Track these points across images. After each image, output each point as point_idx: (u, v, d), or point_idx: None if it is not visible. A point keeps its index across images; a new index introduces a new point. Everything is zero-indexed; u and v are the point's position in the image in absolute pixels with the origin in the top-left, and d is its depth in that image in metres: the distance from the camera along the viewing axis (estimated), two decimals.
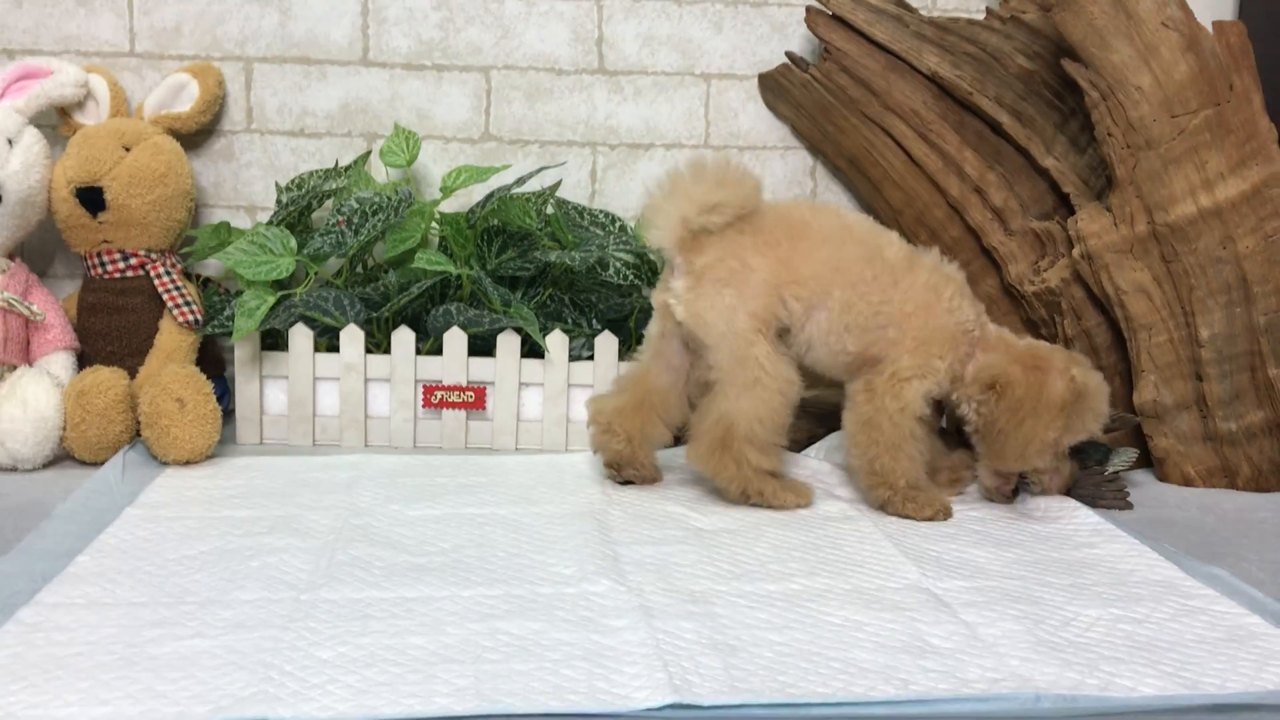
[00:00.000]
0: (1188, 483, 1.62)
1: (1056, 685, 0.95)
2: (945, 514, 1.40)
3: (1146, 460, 1.66)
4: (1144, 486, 1.60)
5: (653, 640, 1.01)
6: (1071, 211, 1.69)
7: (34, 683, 0.92)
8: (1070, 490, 1.48)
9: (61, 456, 1.58)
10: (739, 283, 1.39)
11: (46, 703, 0.88)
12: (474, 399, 1.66)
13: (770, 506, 1.42)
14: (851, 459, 1.45)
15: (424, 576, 1.16)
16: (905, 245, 1.46)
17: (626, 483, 1.50)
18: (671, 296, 1.42)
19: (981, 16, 1.80)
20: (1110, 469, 1.54)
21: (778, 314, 1.41)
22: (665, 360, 1.47)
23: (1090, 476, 1.50)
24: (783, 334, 1.43)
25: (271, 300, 1.60)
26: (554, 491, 1.47)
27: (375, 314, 1.67)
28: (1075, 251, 1.63)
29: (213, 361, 1.75)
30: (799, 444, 1.69)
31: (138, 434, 1.58)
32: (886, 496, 1.41)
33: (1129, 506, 1.49)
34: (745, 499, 1.42)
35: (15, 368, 1.62)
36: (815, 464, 1.60)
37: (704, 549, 1.26)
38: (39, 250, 1.82)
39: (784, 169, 1.92)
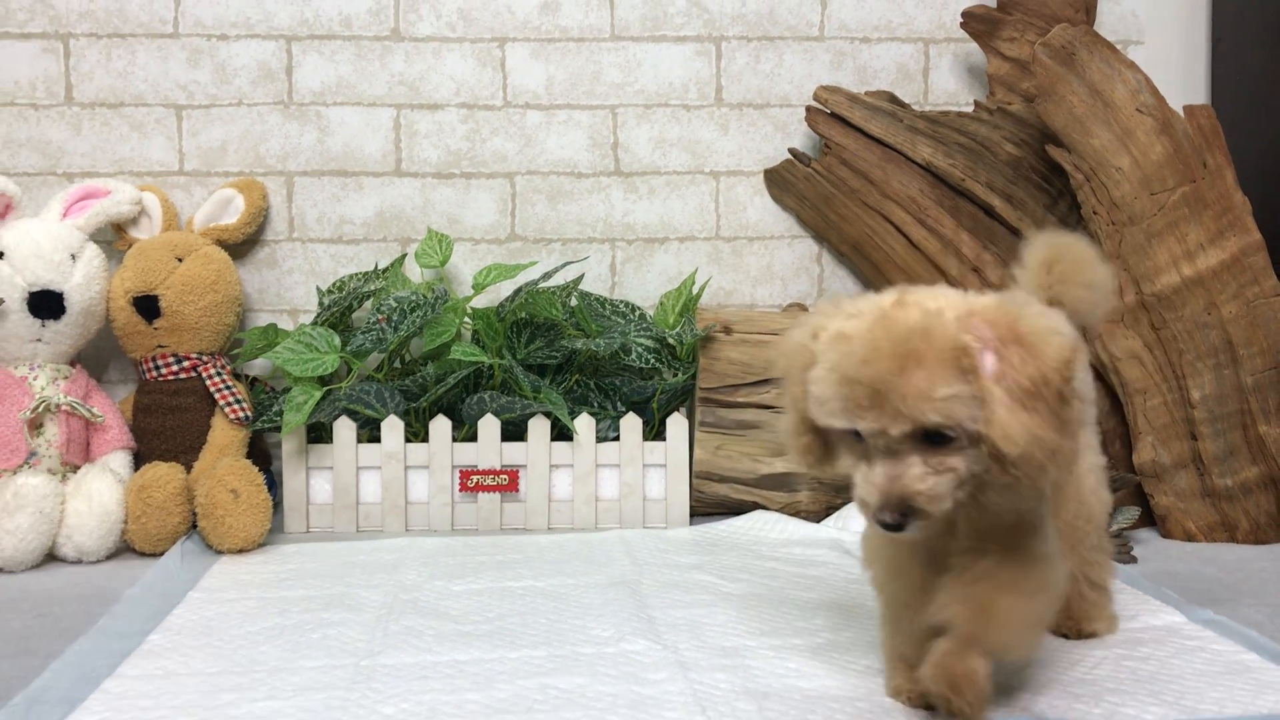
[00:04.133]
0: (1190, 538, 1.70)
1: (1065, 715, 1.02)
2: None
3: (1149, 519, 1.74)
4: (1147, 543, 1.68)
5: (690, 690, 1.10)
6: None
7: None
8: None
9: (122, 549, 1.67)
10: None
11: None
12: (507, 482, 1.76)
13: None
14: None
15: (473, 642, 1.24)
16: None
17: None
18: None
19: (970, 109, 1.94)
20: (1114, 527, 1.62)
21: None
22: None
23: None
24: None
25: (318, 395, 1.70)
26: (587, 565, 1.56)
27: (413, 404, 1.77)
28: None
29: (260, 456, 1.86)
30: (817, 515, 1.77)
31: (193, 526, 1.68)
32: None
33: (1133, 560, 1.56)
34: None
35: (77, 468, 1.73)
36: (834, 533, 1.68)
37: (734, 610, 1.34)
38: (94, 358, 1.94)
39: (791, 256, 2.04)
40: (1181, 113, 1.69)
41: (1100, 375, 1.75)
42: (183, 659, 1.21)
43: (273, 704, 1.08)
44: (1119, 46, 1.72)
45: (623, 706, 1.06)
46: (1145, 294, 1.69)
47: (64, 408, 1.71)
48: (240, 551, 1.63)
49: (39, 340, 1.73)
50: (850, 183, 1.90)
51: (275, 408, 1.78)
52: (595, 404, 1.83)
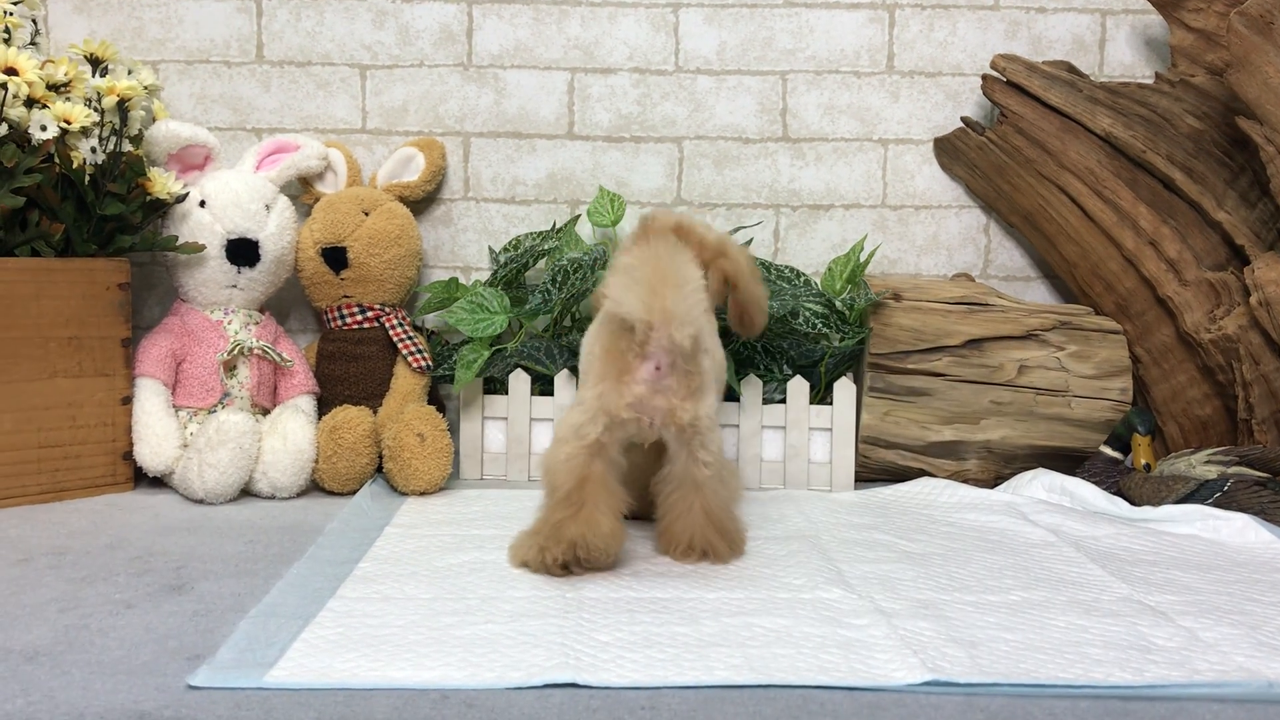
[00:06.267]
0: None
1: None
2: None
3: None
4: None
5: (896, 635, 1.12)
6: (1244, 263, 1.77)
7: (364, 653, 1.06)
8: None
9: (310, 488, 1.75)
10: None
11: (381, 667, 1.02)
12: None
13: None
14: None
15: (670, 582, 1.28)
16: None
17: None
18: None
19: (1147, 82, 1.91)
20: None
21: None
22: None
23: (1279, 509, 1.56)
24: None
25: (486, 354, 1.75)
26: (761, 520, 1.58)
27: None
28: (1253, 299, 1.70)
29: (436, 405, 1.92)
30: (987, 483, 1.78)
31: (378, 469, 1.74)
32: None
33: None
34: None
35: (266, 410, 1.81)
36: (1009, 497, 1.68)
37: (920, 567, 1.36)
38: (276, 307, 2.02)
39: (958, 226, 2.04)
40: None
41: None
42: (396, 584, 1.26)
43: (492, 627, 1.13)
44: None
45: (833, 646, 1.08)
46: None
47: (256, 351, 1.79)
48: (423, 494, 1.69)
49: (234, 286, 1.82)
50: (1025, 152, 1.88)
51: (453, 358, 1.83)
52: (761, 366, 1.85)
